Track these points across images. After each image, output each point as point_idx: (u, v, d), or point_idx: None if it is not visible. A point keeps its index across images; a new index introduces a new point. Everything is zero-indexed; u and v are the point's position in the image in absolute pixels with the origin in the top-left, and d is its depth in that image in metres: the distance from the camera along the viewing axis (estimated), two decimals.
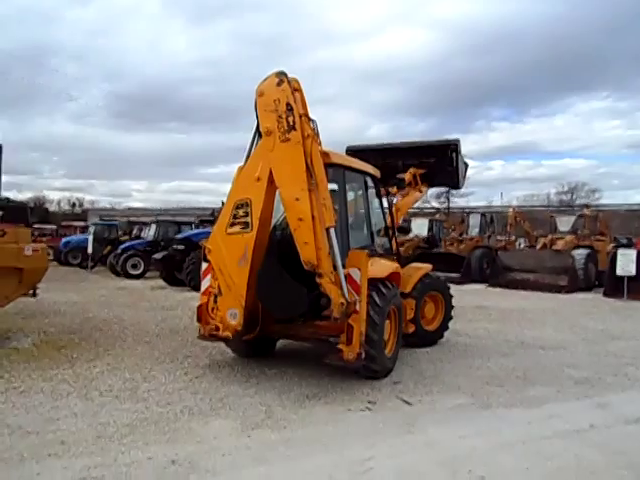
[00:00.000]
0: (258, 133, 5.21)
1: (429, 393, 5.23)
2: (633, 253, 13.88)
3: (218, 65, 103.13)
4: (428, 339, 7.44)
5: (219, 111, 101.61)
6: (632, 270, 13.53)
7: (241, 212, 5.18)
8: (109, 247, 21.54)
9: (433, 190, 59.27)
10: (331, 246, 4.88)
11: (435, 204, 56.81)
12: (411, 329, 7.04)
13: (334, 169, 5.73)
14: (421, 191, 8.68)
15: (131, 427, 4.18)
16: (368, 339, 5.25)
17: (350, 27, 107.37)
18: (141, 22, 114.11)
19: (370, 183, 6.69)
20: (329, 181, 5.41)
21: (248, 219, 5.14)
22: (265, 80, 5.02)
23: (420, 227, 22.37)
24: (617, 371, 6.28)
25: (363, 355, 5.12)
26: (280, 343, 7.48)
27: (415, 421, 4.44)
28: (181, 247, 14.76)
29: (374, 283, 5.46)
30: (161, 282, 15.74)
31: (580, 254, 16.24)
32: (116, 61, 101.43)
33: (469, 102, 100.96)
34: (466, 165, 9.28)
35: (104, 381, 5.45)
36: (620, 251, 14.27)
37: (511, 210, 22.65)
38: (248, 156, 5.35)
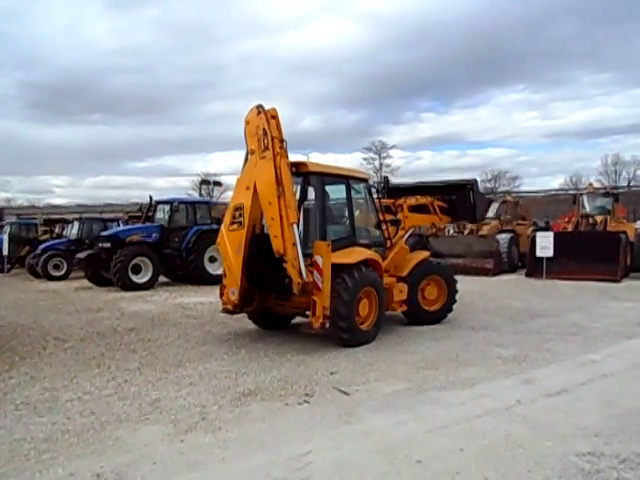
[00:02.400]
0: (247, 152, 6.66)
1: (366, 381, 5.26)
2: (550, 235, 14.80)
3: (142, 54, 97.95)
4: (429, 319, 8.21)
5: (146, 102, 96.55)
6: (550, 251, 14.43)
7: (237, 214, 6.64)
8: (27, 247, 20.14)
9: None
10: (294, 238, 6.20)
11: None
12: (400, 309, 7.98)
13: (314, 176, 7.05)
14: (440, 219, 9.74)
15: (50, 442, 3.86)
16: (337, 313, 6.41)
17: (279, 17, 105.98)
18: (54, 5, 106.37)
19: (356, 186, 7.69)
20: (309, 185, 7.13)
21: (242, 219, 6.59)
22: (250, 112, 6.56)
23: None
24: (540, 347, 6.63)
25: (327, 325, 6.35)
26: (212, 342, 7.31)
27: (353, 411, 4.44)
28: (107, 245, 13.99)
29: (345, 268, 6.60)
30: (86, 283, 14.89)
31: (504, 238, 17.11)
32: (28, 47, 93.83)
33: (398, 94, 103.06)
34: (490, 201, 10.12)
35: (20, 393, 5.03)
36: (539, 234, 15.17)
37: None
38: (242, 169, 6.79)
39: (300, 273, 6.23)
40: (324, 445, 3.76)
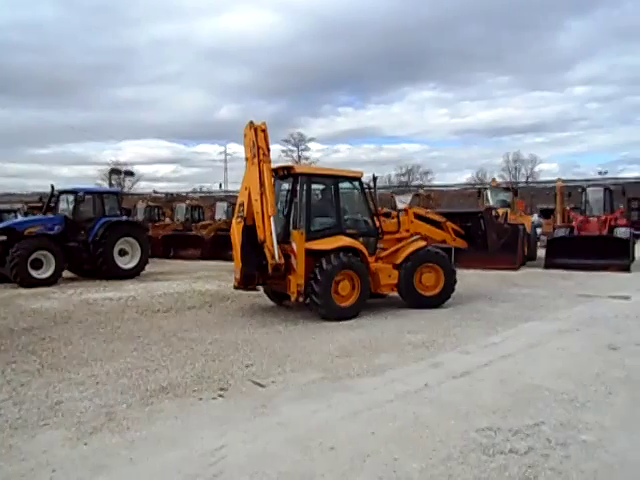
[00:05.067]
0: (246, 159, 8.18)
1: (282, 372, 5.28)
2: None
3: (43, 31, 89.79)
4: (426, 303, 8.88)
5: (49, 84, 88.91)
6: None
7: (240, 209, 8.15)
8: None
9: None
10: (271, 228, 7.58)
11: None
12: (391, 292, 9.01)
13: (302, 177, 8.32)
14: (454, 239, 10.32)
15: None
16: (313, 292, 7.75)
17: (193, 1, 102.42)
18: None
19: (347, 183, 8.84)
20: (297, 184, 8.37)
21: (243, 213, 8.04)
22: (245, 126, 8.00)
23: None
24: (447, 332, 7.02)
25: (300, 299, 7.82)
26: (121, 339, 6.99)
27: (268, 402, 4.43)
28: (3, 238, 12.78)
29: (324, 253, 7.86)
30: None
31: None
32: None
33: (316, 87, 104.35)
34: (506, 230, 11.89)
35: None
36: None
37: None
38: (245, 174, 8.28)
39: (273, 256, 7.53)
40: (238, 438, 3.72)
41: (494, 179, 28.89)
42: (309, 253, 7.87)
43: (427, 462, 3.34)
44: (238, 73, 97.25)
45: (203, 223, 24.89)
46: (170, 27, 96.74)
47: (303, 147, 63.73)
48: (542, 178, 55.91)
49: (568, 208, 18.95)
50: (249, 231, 7.93)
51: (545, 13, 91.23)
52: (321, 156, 68.47)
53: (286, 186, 8.76)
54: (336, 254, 7.89)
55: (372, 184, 9.11)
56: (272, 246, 7.57)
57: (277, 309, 8.95)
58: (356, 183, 8.92)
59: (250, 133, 7.88)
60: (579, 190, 18.45)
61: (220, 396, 4.61)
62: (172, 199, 42.17)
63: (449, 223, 10.12)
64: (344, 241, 8.14)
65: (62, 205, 14.07)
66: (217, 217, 25.41)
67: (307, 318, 8.06)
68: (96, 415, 4.18)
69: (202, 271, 15.33)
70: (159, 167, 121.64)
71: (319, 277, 7.73)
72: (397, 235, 9.24)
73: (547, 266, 14.96)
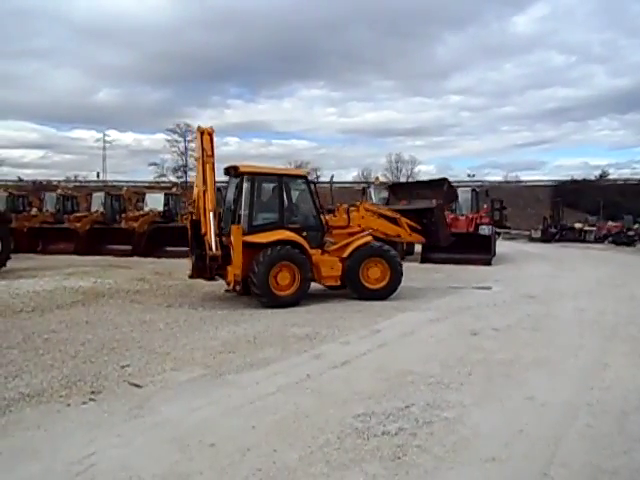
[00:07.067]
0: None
1: (161, 371, 5.07)
2: None
3: None
4: (372, 295, 9.29)
5: None
6: None
7: (193, 204, 9.02)
8: None
9: (171, 164, 58.82)
10: (211, 222, 8.31)
11: (172, 178, 56.13)
12: (334, 283, 9.39)
13: (247, 175, 8.92)
14: (409, 234, 10.65)
15: None
16: (252, 282, 8.39)
17: None
18: None
19: (293, 182, 9.47)
20: (243, 183, 8.88)
21: (193, 209, 8.90)
22: (197, 130, 8.93)
23: (155, 201, 21.68)
24: (330, 324, 7.27)
25: (237, 288, 8.65)
26: None
27: (145, 403, 4.24)
28: None
29: (262, 246, 8.46)
30: None
31: None
32: None
33: (204, 77, 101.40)
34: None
35: None
36: None
37: None
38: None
39: (210, 247, 8.20)
40: (111, 443, 3.51)
41: (377, 177, 30.41)
42: (249, 246, 8.46)
43: (306, 450, 3.44)
44: (119, 55, 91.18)
45: (77, 215, 22.95)
46: None
47: (190, 138, 61.58)
48: (421, 178, 60.12)
49: None
50: (197, 225, 8.60)
51: (426, 25, 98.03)
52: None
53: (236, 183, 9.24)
54: (274, 247, 8.43)
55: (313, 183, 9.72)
56: (210, 238, 8.22)
57: (157, 307, 8.57)
58: (301, 181, 9.59)
59: (199, 136, 8.71)
60: None
61: (91, 400, 4.31)
62: (40, 187, 38.29)
63: (404, 219, 10.50)
64: (283, 234, 8.69)
65: None
66: (93, 209, 23.54)
67: (190, 315, 7.84)
68: None
69: (75, 267, 14.16)
70: (26, 152, 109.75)
71: (256, 268, 8.28)
72: (348, 230, 9.71)
73: (423, 260, 16.12)
